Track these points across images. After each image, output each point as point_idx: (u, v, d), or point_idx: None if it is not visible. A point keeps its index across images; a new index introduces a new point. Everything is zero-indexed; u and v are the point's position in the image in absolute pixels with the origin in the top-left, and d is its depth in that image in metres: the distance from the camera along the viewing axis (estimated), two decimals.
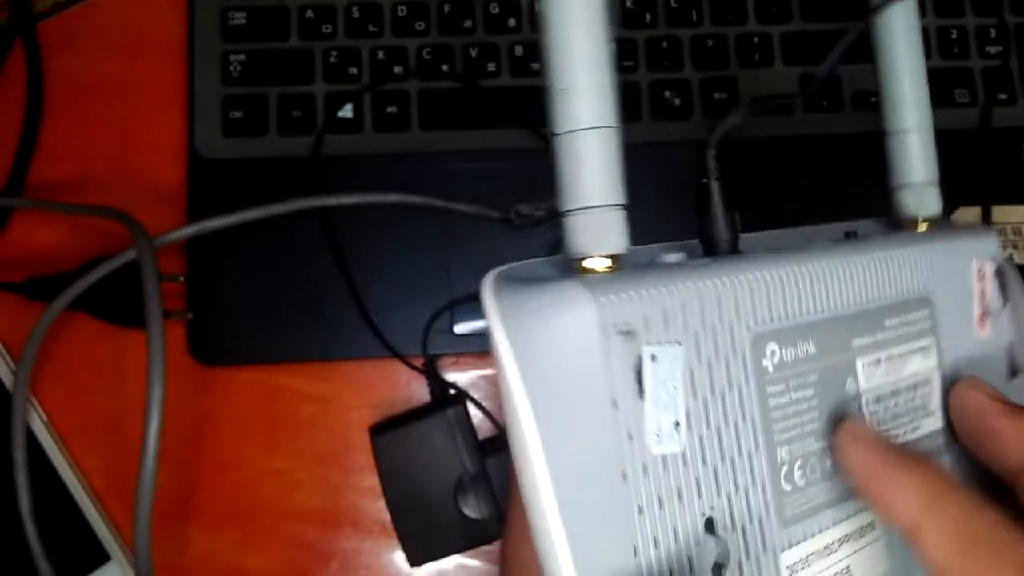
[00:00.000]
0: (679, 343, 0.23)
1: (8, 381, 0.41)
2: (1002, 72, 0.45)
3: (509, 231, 0.42)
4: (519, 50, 0.44)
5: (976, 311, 0.30)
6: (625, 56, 0.44)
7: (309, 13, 0.44)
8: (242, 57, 0.43)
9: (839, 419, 0.26)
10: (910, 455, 0.24)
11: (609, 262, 0.23)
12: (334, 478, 0.42)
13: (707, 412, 0.23)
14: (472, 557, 0.41)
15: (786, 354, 0.25)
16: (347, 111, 0.43)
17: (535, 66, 0.44)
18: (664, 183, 0.39)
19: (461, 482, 0.39)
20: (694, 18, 0.45)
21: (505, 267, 0.23)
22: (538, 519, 0.21)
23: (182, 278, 0.42)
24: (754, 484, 0.24)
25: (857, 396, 0.27)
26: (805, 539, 0.25)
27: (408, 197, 0.41)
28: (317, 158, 0.43)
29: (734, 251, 0.26)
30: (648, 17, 0.44)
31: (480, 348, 0.42)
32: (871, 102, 0.44)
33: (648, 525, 0.22)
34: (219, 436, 0.42)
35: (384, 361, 0.42)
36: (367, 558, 0.41)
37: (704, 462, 0.23)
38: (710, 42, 0.44)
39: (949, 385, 0.29)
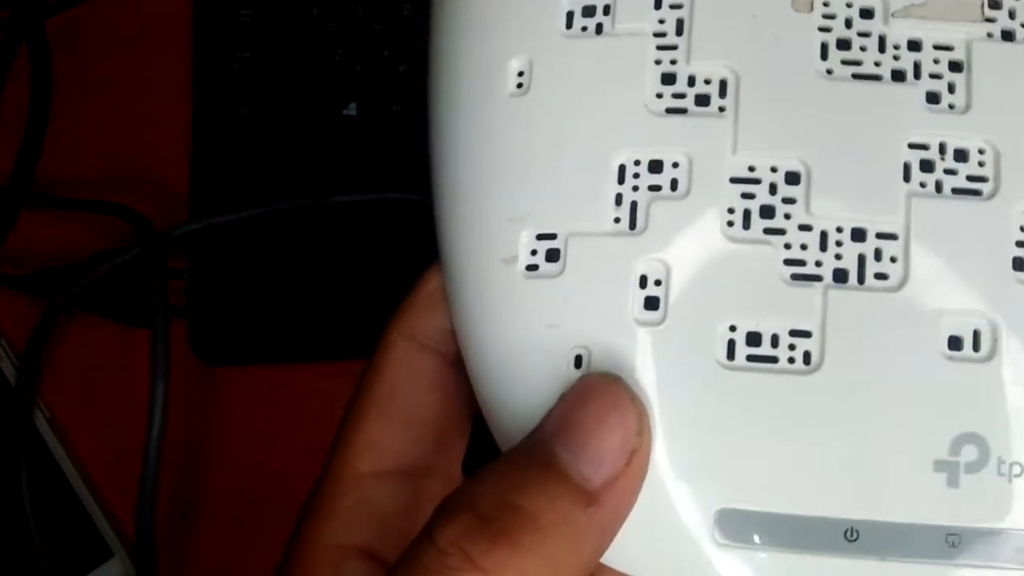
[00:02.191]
0: None
1: (12, 377, 0.41)
2: None
3: None
4: None
5: None
6: None
7: (315, 11, 0.44)
8: (247, 54, 0.43)
9: None
10: None
11: None
12: None
13: None
14: None
15: None
16: (351, 109, 0.43)
17: None
18: None
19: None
20: None
21: None
22: None
23: (186, 275, 0.42)
24: None
25: None
26: None
27: (414, 196, 0.41)
28: (322, 156, 0.42)
29: None
30: None
31: None
32: None
33: None
34: (223, 434, 0.42)
35: None
36: None
37: None
38: None
39: None
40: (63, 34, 0.45)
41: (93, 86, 0.44)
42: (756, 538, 0.18)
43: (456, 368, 0.22)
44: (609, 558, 0.18)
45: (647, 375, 0.18)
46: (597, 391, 0.18)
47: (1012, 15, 0.18)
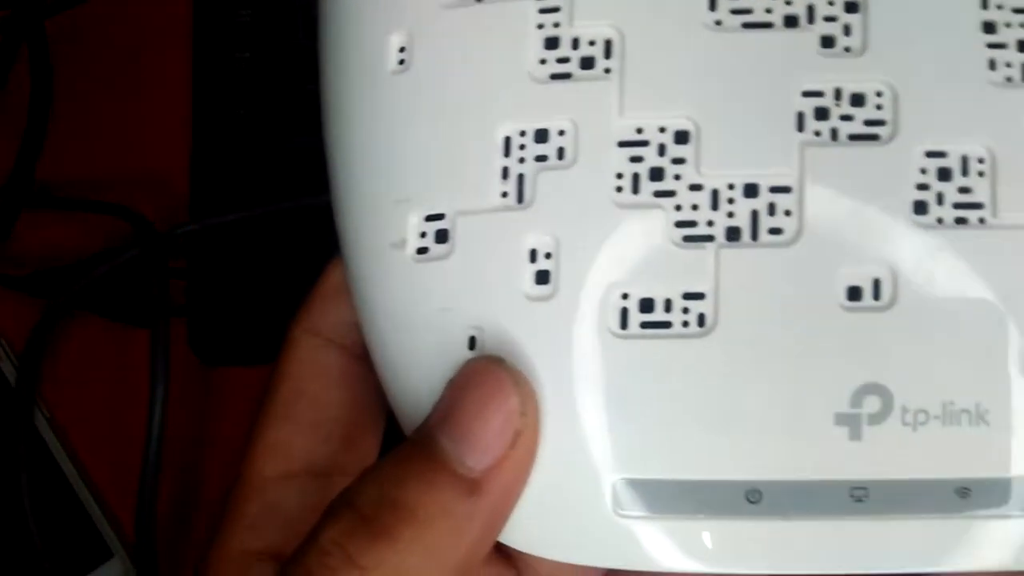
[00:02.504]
0: None
1: (12, 377, 0.41)
2: None
3: None
4: None
5: None
6: None
7: (315, 11, 0.43)
8: (247, 54, 0.43)
9: None
10: None
11: None
12: None
13: None
14: None
15: None
16: None
17: None
18: None
19: None
20: None
21: None
22: None
23: (186, 275, 0.42)
24: None
25: None
26: None
27: None
28: (322, 156, 0.42)
29: None
30: None
31: None
32: None
33: None
34: (223, 434, 0.42)
35: None
36: None
37: None
38: None
39: None
40: (63, 34, 0.45)
41: (93, 86, 0.44)
42: (655, 507, 0.17)
43: (364, 362, 0.21)
44: (508, 538, 0.18)
45: (539, 351, 0.18)
46: (478, 375, 0.17)
47: None
